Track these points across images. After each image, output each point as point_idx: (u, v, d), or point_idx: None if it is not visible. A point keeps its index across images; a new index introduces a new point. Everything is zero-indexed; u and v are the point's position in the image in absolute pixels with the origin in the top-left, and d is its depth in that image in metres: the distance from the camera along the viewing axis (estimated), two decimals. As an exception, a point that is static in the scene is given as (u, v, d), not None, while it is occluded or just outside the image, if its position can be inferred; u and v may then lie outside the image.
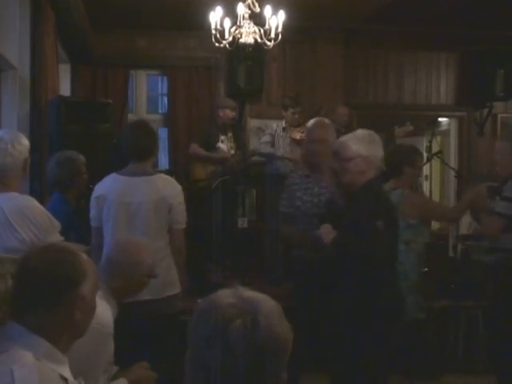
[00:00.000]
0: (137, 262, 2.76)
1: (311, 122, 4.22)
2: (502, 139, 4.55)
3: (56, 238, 3.11)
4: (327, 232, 3.37)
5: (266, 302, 1.37)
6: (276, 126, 6.73)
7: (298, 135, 6.51)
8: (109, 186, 3.61)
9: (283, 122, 6.67)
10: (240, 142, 6.88)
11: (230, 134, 6.72)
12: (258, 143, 7.03)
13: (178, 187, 3.67)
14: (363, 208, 3.32)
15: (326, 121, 4.27)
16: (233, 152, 6.66)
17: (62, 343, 1.75)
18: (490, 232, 4.17)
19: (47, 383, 1.64)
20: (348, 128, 7.04)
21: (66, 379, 1.74)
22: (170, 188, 3.61)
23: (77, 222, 4.01)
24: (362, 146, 3.41)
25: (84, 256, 1.83)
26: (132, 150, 3.61)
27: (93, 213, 3.62)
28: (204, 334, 1.33)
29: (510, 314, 4.00)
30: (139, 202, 3.52)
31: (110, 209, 3.55)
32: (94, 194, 3.61)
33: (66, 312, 1.73)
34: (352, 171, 3.40)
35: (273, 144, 6.63)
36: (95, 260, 3.55)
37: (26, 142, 3.25)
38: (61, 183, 4.06)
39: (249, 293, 1.38)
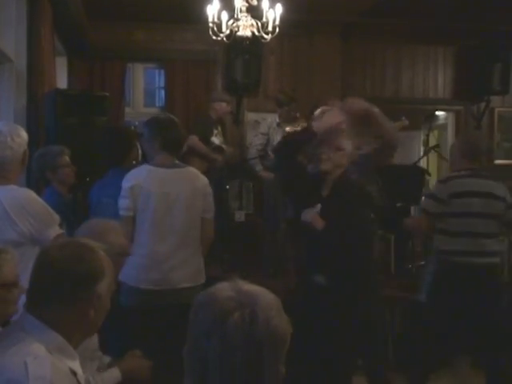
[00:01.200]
0: (104, 243, 2.73)
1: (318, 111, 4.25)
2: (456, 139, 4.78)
3: (55, 231, 3.11)
4: (315, 219, 3.46)
5: (264, 295, 1.37)
6: (270, 120, 6.69)
7: (292, 130, 6.48)
8: (144, 176, 3.65)
9: (277, 118, 6.63)
10: (228, 137, 6.87)
11: (219, 129, 6.72)
12: (252, 143, 6.95)
13: (206, 179, 3.82)
14: (352, 200, 3.42)
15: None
16: (225, 146, 6.65)
17: (74, 339, 1.76)
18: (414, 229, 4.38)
19: (59, 376, 1.65)
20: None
21: (75, 373, 1.75)
22: (200, 179, 3.78)
23: (68, 214, 4.05)
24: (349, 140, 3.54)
25: (103, 253, 1.83)
26: (169, 143, 3.69)
27: (126, 202, 3.61)
28: (202, 327, 1.33)
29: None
30: (177, 192, 3.62)
31: (148, 198, 3.59)
32: (127, 184, 3.61)
33: (82, 309, 1.74)
34: (336, 162, 3.48)
35: (265, 146, 6.58)
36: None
37: (24, 134, 3.26)
38: (38, 179, 4.13)
39: (247, 286, 1.38)
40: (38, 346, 1.66)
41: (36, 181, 4.43)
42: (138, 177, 3.64)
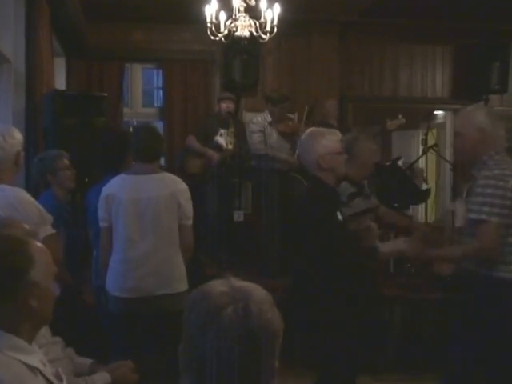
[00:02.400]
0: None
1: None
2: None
3: (46, 230, 3.09)
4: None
5: (256, 290, 1.39)
6: (261, 119, 6.59)
7: (287, 128, 6.47)
8: (117, 184, 3.65)
9: (268, 116, 6.56)
10: (241, 138, 6.77)
11: (231, 129, 6.62)
12: (252, 141, 6.92)
13: (185, 185, 3.73)
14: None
15: None
16: (231, 147, 6.59)
17: (24, 333, 1.74)
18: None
19: (11, 376, 1.63)
20: (339, 121, 7.05)
21: (36, 368, 1.73)
22: (178, 185, 3.69)
23: (66, 217, 4.04)
24: None
25: (31, 241, 1.79)
26: (140, 152, 3.68)
27: (101, 213, 3.64)
28: (197, 323, 1.34)
29: None
30: (148, 197, 3.57)
31: (119, 206, 3.58)
32: (102, 195, 3.64)
33: (21, 301, 1.71)
34: None
35: (265, 142, 6.56)
36: (106, 259, 3.62)
37: (18, 135, 3.26)
38: (38, 183, 4.13)
39: (240, 282, 1.40)
40: None
41: (36, 185, 4.42)
42: (112, 186, 3.66)
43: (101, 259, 3.70)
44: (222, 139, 6.54)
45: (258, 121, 6.65)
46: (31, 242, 1.80)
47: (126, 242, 3.59)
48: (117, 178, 3.71)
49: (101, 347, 3.18)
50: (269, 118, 6.53)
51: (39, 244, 1.82)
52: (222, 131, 6.56)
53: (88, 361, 2.59)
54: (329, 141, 3.29)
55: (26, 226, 2.33)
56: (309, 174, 3.46)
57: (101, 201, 3.64)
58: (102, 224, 3.65)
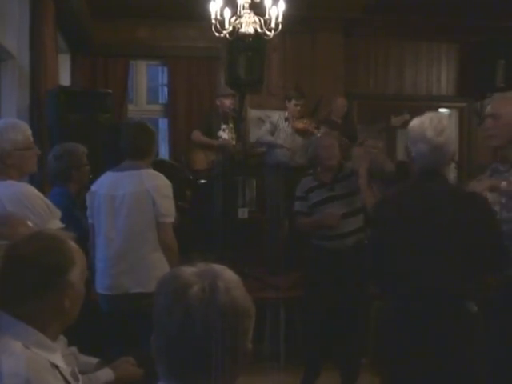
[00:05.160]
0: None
1: None
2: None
3: (55, 225, 3.09)
4: None
5: (225, 270, 1.38)
6: (278, 116, 6.70)
7: (301, 125, 6.50)
8: (100, 182, 3.69)
9: (286, 113, 6.65)
10: (240, 133, 6.84)
11: (230, 125, 6.68)
12: (259, 132, 6.99)
13: (165, 181, 3.61)
14: None
15: None
16: (233, 143, 6.63)
17: (51, 331, 1.75)
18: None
19: (37, 371, 1.64)
20: (345, 119, 7.05)
21: (57, 366, 1.74)
22: (154, 181, 3.57)
23: (77, 215, 4.00)
24: None
25: (72, 243, 1.82)
26: (127, 149, 3.66)
27: (88, 210, 3.70)
28: (164, 304, 1.33)
29: None
30: (122, 194, 3.54)
31: (99, 202, 3.62)
32: (88, 192, 3.70)
33: (55, 300, 1.73)
34: None
35: (273, 133, 6.60)
36: (92, 257, 3.62)
37: (16, 134, 3.25)
38: (59, 176, 4.03)
39: (210, 264, 1.39)
40: (14, 342, 1.65)
41: (49, 181, 4.29)
42: (97, 183, 3.70)
43: (90, 255, 3.68)
44: (226, 134, 6.58)
45: (273, 115, 6.78)
46: (72, 243, 1.82)
47: (103, 239, 3.61)
48: (103, 175, 3.73)
49: (101, 344, 3.17)
50: (286, 115, 6.62)
51: (77, 246, 1.83)
52: (224, 126, 6.60)
53: (94, 360, 2.59)
54: None
55: (30, 224, 2.33)
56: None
57: (86, 198, 3.70)
58: (89, 221, 3.71)
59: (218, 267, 1.38)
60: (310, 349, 4.48)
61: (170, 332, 1.31)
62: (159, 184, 3.57)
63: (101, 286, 3.63)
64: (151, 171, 3.65)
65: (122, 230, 3.54)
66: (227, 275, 1.36)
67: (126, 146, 3.68)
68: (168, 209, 3.56)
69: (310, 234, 4.42)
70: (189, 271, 1.35)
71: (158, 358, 1.35)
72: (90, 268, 3.85)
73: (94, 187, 3.69)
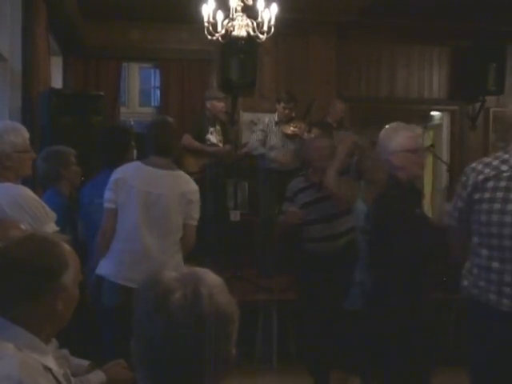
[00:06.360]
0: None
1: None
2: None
3: (51, 227, 3.10)
4: None
5: (208, 274, 1.37)
6: (268, 119, 6.73)
7: (289, 130, 6.52)
8: (131, 171, 3.66)
9: (275, 116, 6.67)
10: (228, 135, 6.86)
11: (218, 127, 6.71)
12: (250, 140, 6.97)
13: (196, 186, 3.77)
14: None
15: None
16: (221, 145, 6.66)
17: (44, 334, 1.74)
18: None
19: (29, 373, 1.63)
20: (339, 123, 7.07)
21: (49, 369, 1.73)
22: (190, 185, 3.73)
23: (72, 215, 4.01)
24: None
25: (65, 245, 1.81)
26: (157, 147, 3.70)
27: (109, 194, 3.62)
28: (145, 309, 1.31)
29: None
30: (160, 193, 3.59)
31: (129, 193, 3.58)
32: (114, 177, 3.63)
33: (48, 303, 1.72)
34: None
35: (264, 142, 6.62)
36: (107, 242, 3.59)
37: (12, 137, 3.25)
38: (48, 177, 4.06)
39: (192, 268, 1.38)
40: (6, 345, 1.64)
41: (39, 183, 4.32)
42: (126, 171, 3.66)
43: (100, 241, 3.65)
44: (213, 137, 6.60)
45: (263, 120, 6.77)
46: (66, 246, 1.81)
47: (133, 230, 3.58)
48: (132, 164, 3.75)
49: (94, 344, 3.16)
50: (276, 118, 6.64)
51: (71, 249, 1.83)
52: (212, 129, 6.63)
53: (85, 362, 2.58)
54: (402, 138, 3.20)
55: (23, 226, 2.33)
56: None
57: (110, 183, 3.62)
58: (107, 205, 3.62)
59: (201, 271, 1.37)
60: (307, 356, 4.47)
61: (150, 338, 1.29)
62: (194, 188, 3.73)
63: (123, 277, 3.54)
64: (184, 174, 3.82)
65: (154, 227, 3.58)
66: (210, 280, 1.35)
67: (152, 142, 3.72)
68: (197, 212, 3.73)
69: (297, 235, 4.42)
70: (170, 276, 1.33)
71: (138, 364, 1.33)
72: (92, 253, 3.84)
73: (121, 174, 3.63)
